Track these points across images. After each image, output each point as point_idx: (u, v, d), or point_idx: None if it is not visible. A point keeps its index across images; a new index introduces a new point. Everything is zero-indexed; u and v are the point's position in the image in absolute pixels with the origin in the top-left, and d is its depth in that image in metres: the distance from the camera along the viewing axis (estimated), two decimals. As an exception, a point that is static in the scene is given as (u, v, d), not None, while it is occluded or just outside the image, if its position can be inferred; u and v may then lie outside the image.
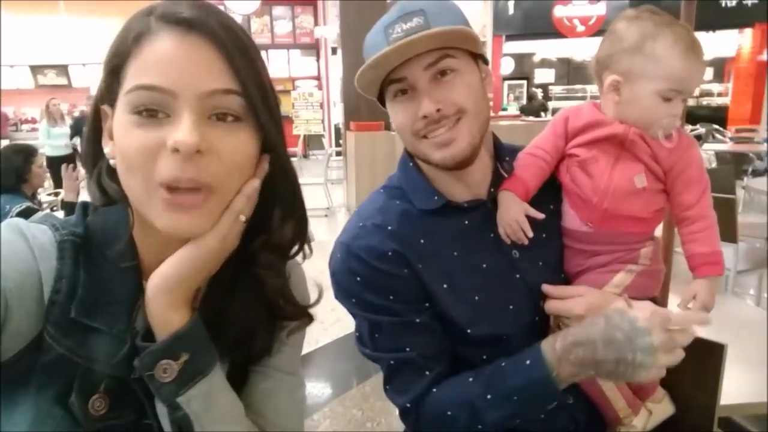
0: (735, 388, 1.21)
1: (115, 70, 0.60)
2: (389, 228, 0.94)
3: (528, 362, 0.86)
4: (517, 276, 0.96)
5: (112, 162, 0.63)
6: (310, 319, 0.75)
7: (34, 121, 12.34)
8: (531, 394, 0.86)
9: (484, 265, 0.95)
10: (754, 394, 1.28)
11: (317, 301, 0.77)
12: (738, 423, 1.46)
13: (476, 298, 0.93)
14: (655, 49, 0.88)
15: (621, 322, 0.78)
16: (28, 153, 3.04)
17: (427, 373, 0.92)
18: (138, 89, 0.57)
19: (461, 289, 0.93)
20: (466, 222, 0.96)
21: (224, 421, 0.64)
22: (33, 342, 0.59)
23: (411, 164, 0.99)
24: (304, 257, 0.75)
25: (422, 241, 0.94)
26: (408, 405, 0.93)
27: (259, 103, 0.61)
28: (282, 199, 0.69)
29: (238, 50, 0.60)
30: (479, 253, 0.95)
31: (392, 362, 0.94)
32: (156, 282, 0.61)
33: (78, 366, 0.60)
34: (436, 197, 0.95)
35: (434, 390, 0.91)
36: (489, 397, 0.87)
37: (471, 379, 0.90)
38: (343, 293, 0.95)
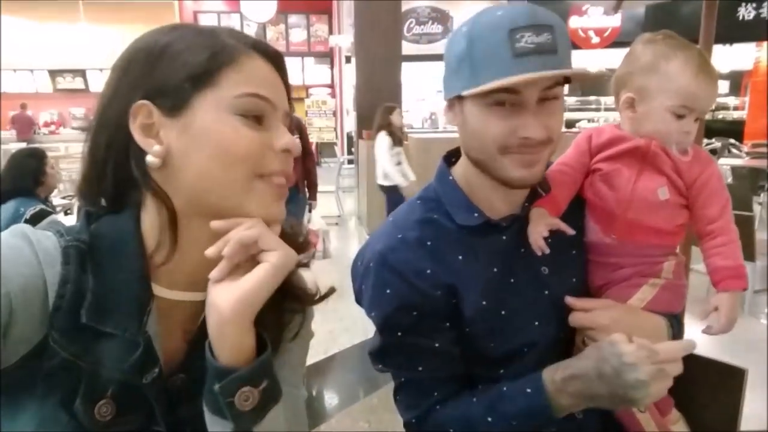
0: (754, 412, 1.17)
1: (204, 74, 0.62)
2: (428, 243, 0.93)
3: (528, 390, 0.86)
4: (546, 292, 0.95)
5: (153, 161, 0.62)
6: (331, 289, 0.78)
7: (59, 124, 12.53)
8: (529, 421, 0.87)
9: (512, 280, 0.94)
10: (773, 419, 1.24)
11: (324, 296, 0.77)
12: (757, 449, 1.42)
13: (502, 312, 0.93)
14: (668, 68, 0.93)
15: (610, 357, 0.79)
16: (40, 156, 3.09)
17: (435, 393, 0.93)
18: (251, 96, 0.64)
19: (494, 305, 0.92)
20: (504, 238, 0.95)
21: None
22: (37, 347, 0.58)
23: (450, 178, 0.98)
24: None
25: (460, 257, 0.93)
26: (413, 420, 0.96)
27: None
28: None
29: (287, 77, 0.71)
30: (510, 269, 0.94)
31: (403, 379, 0.96)
32: (234, 305, 0.59)
33: (84, 371, 0.60)
34: (476, 214, 0.94)
35: (438, 407, 0.93)
36: (489, 419, 0.88)
37: (474, 400, 0.92)
38: (368, 303, 0.94)
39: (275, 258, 0.62)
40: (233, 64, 0.64)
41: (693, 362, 1.06)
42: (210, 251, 0.61)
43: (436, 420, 0.93)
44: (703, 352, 1.11)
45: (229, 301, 0.60)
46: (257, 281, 0.61)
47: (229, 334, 0.60)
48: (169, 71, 0.63)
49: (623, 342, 0.79)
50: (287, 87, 0.71)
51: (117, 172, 0.64)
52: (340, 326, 3.49)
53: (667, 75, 0.92)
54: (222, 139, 0.62)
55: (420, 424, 0.95)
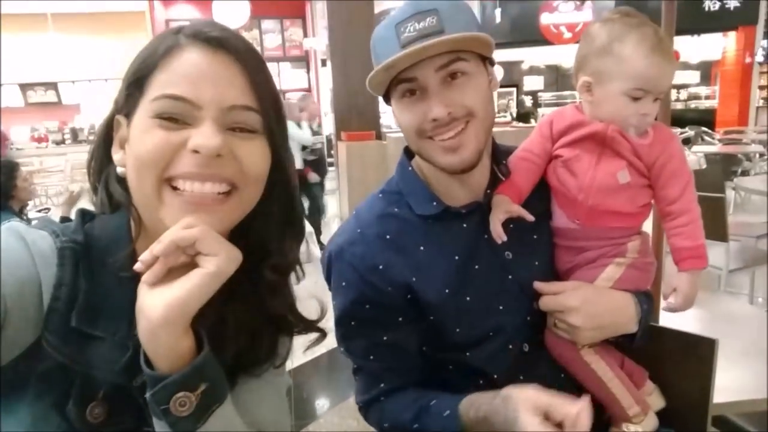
0: (729, 385, 1.20)
1: (140, 80, 0.62)
2: (387, 237, 0.94)
3: (447, 413, 0.88)
4: (510, 277, 0.96)
5: (120, 170, 0.65)
6: (323, 334, 0.79)
7: (46, 138, 12.13)
8: None
9: (476, 267, 0.95)
10: (749, 390, 1.27)
11: (320, 318, 0.79)
12: (734, 421, 1.45)
13: (467, 299, 0.94)
14: (621, 50, 0.91)
15: (513, 428, 0.76)
16: (10, 168, 3.03)
17: (382, 385, 0.97)
18: (165, 98, 0.60)
19: (457, 292, 0.94)
20: (465, 225, 0.96)
21: None
22: (30, 349, 0.58)
23: (410, 168, 0.99)
24: (298, 279, 0.76)
25: (422, 248, 0.94)
26: (360, 404, 1.02)
27: (274, 122, 0.65)
28: (291, 221, 0.71)
29: (258, 71, 0.64)
30: (474, 255, 0.95)
31: (355, 366, 1.01)
32: (164, 313, 0.55)
33: (76, 373, 0.59)
34: (434, 203, 0.95)
35: (382, 399, 0.97)
36: (416, 426, 0.91)
37: (410, 402, 0.94)
38: (332, 293, 0.98)
39: (213, 264, 0.57)
40: (161, 64, 0.61)
41: (665, 335, 1.09)
42: (142, 257, 0.57)
43: (377, 412, 0.98)
44: (684, 328, 1.13)
45: (159, 307, 0.56)
46: (191, 288, 0.56)
47: (160, 340, 0.56)
48: (124, 83, 0.65)
49: (528, 419, 0.75)
50: (251, 75, 0.63)
51: (109, 178, 0.67)
52: (327, 326, 3.48)
53: (620, 57, 0.90)
54: (135, 144, 0.61)
55: (366, 409, 1.01)
